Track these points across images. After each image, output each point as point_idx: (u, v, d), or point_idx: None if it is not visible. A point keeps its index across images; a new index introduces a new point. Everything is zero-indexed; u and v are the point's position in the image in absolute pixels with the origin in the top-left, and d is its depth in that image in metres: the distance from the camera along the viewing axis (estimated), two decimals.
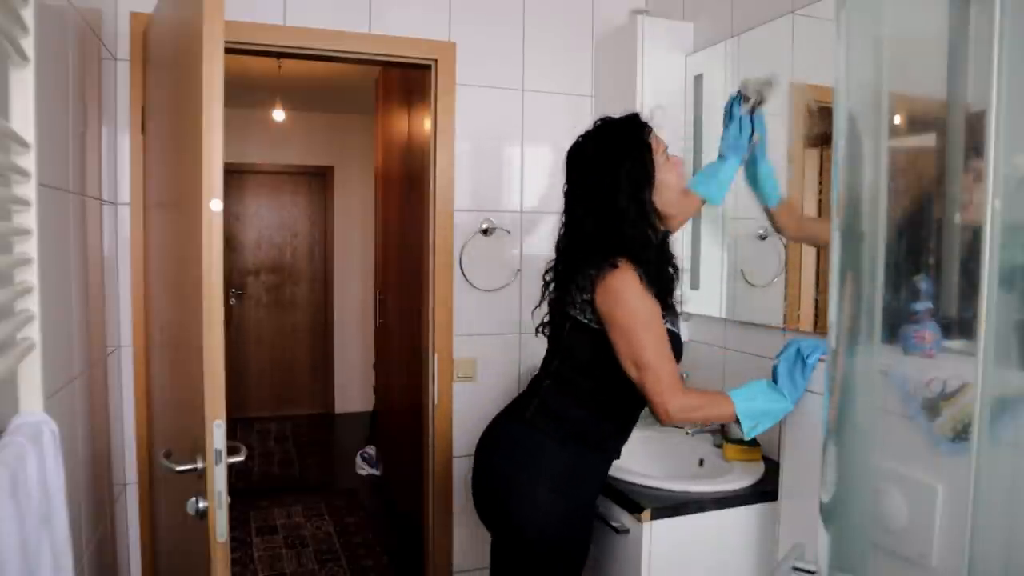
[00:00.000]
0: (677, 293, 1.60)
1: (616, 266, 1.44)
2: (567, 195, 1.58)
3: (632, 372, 1.45)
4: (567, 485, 1.54)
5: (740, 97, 1.71)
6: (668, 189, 1.51)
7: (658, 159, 1.50)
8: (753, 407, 1.45)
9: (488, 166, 2.50)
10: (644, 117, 1.54)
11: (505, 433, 1.62)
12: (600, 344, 1.49)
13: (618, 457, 1.68)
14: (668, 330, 1.49)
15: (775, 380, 1.48)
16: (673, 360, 1.47)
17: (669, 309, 1.54)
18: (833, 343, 0.94)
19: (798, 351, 1.45)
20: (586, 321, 1.51)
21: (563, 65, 2.55)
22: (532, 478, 1.53)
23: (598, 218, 1.49)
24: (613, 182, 1.47)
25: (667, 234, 1.62)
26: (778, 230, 1.82)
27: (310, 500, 4.23)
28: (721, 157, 1.72)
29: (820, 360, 1.44)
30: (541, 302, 1.67)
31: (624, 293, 1.43)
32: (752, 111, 1.68)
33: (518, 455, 1.56)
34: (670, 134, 2.28)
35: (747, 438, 1.46)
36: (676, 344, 1.54)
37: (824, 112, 1.86)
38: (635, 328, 1.43)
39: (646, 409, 2.28)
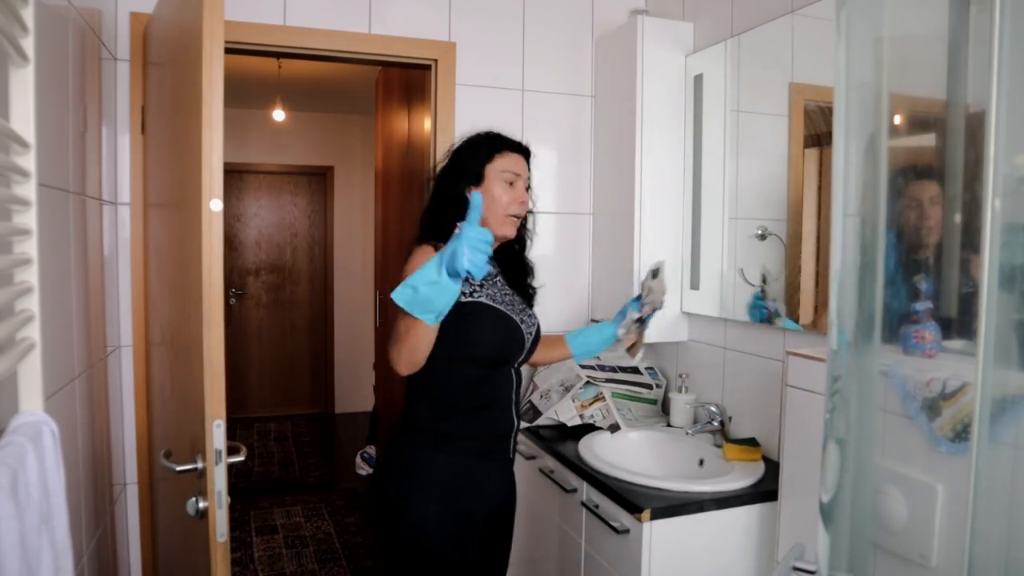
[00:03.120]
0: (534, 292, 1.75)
1: (419, 244, 1.55)
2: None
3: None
4: (443, 493, 1.53)
5: (637, 301, 1.79)
6: (495, 204, 1.58)
7: (497, 172, 1.59)
8: (420, 299, 1.36)
9: None
10: (526, 143, 1.68)
11: (387, 453, 1.65)
12: None
13: (504, 459, 1.64)
14: (498, 311, 1.56)
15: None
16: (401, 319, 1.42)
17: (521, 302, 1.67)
18: (833, 343, 0.94)
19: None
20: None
21: (563, 65, 2.55)
22: (404, 491, 1.54)
23: (435, 200, 1.63)
24: (451, 170, 1.62)
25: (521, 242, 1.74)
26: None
27: (310, 500, 4.23)
28: (611, 333, 1.82)
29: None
30: None
31: (410, 267, 1.49)
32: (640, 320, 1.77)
33: (395, 470, 1.57)
34: (670, 134, 2.30)
35: (430, 322, 1.38)
36: (511, 328, 1.58)
37: (824, 112, 1.86)
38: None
39: (649, 408, 2.28)
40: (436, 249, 1.51)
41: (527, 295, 1.74)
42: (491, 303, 1.56)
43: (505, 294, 1.63)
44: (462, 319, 1.50)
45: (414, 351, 1.43)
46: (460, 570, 1.56)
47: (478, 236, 1.31)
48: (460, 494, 1.55)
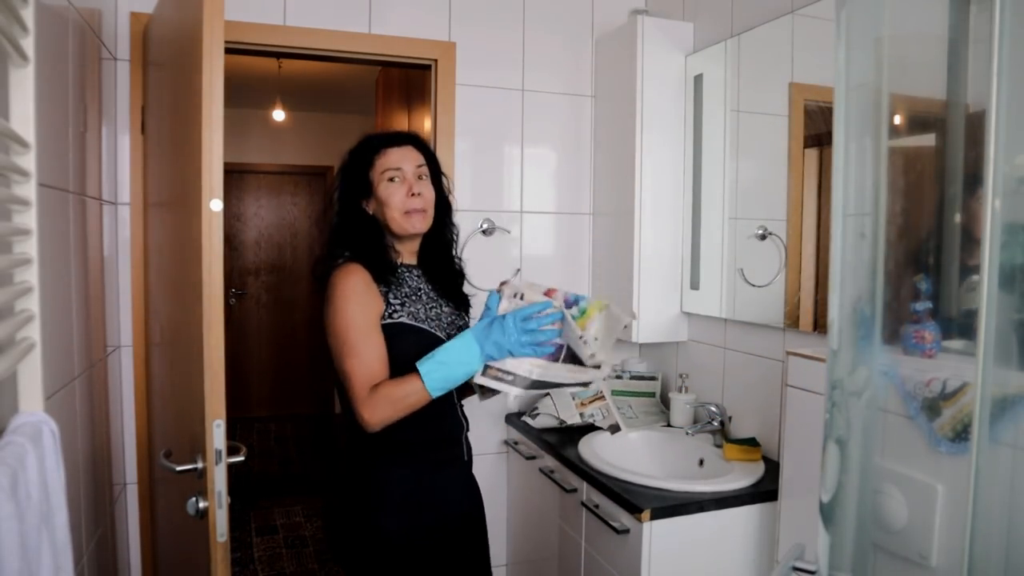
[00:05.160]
0: (468, 289, 1.68)
1: (339, 264, 1.47)
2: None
3: (341, 380, 1.44)
4: (409, 506, 1.49)
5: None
6: (387, 206, 1.52)
7: (379, 174, 1.54)
8: (441, 377, 1.38)
9: (488, 166, 2.49)
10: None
11: (343, 474, 1.58)
12: None
13: (460, 462, 1.60)
14: (421, 331, 1.48)
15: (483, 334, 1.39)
16: (375, 363, 1.42)
17: (447, 306, 1.59)
18: (833, 343, 0.94)
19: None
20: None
21: (563, 65, 2.55)
22: (372, 512, 1.49)
23: (339, 219, 1.56)
24: (343, 187, 1.57)
25: (445, 241, 1.65)
26: None
27: (310, 500, 4.23)
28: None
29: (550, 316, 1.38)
30: None
31: (336, 292, 1.44)
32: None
33: (353, 490, 1.52)
34: (670, 134, 2.30)
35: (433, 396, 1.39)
36: (429, 342, 1.48)
37: (824, 112, 1.86)
38: (339, 331, 1.43)
39: (649, 402, 2.27)
40: (362, 266, 1.46)
41: (460, 300, 1.65)
42: (412, 322, 1.49)
43: (432, 307, 1.55)
44: (387, 340, 1.46)
45: (404, 415, 1.41)
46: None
47: (517, 326, 1.35)
48: (424, 506, 1.50)
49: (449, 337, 1.51)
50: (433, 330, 1.51)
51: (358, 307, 1.44)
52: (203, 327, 1.31)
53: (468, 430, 1.63)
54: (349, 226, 1.55)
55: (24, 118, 1.11)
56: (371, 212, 1.56)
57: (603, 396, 2.27)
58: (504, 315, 1.39)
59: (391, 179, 1.53)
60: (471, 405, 1.67)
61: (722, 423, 2.08)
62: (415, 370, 1.39)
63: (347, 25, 2.28)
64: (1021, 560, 0.76)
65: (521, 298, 1.42)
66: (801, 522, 1.52)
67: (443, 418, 1.56)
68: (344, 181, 1.58)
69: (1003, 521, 0.77)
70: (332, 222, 1.59)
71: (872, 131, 0.93)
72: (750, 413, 2.06)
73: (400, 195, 1.52)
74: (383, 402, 1.39)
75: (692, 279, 2.32)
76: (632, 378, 2.42)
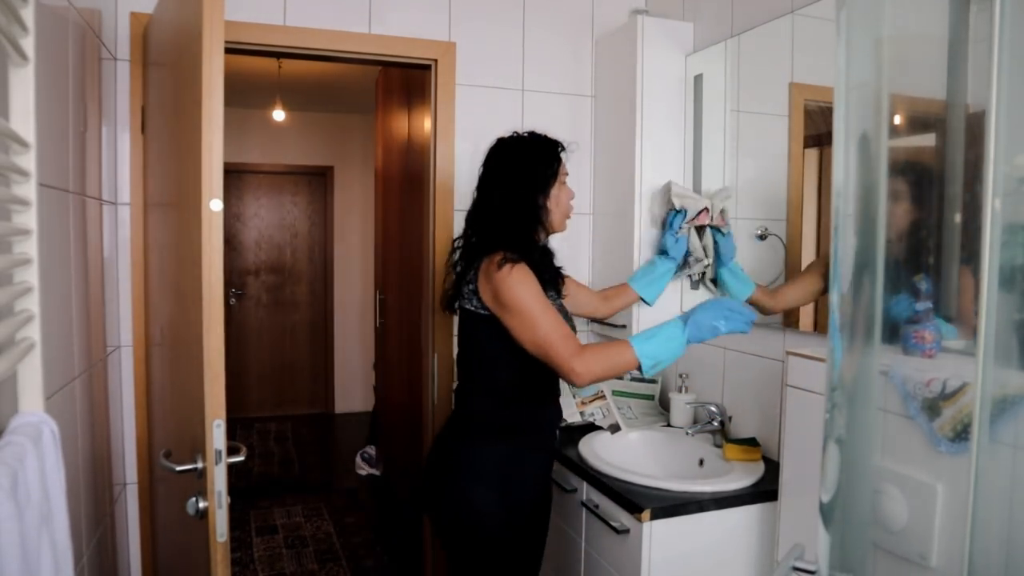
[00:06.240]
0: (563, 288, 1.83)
1: (500, 257, 1.56)
2: (483, 180, 1.71)
3: (536, 351, 1.55)
4: (501, 482, 1.61)
5: (682, 213, 1.90)
6: (558, 205, 1.70)
7: (562, 175, 1.71)
8: (651, 348, 1.52)
9: None
10: (565, 143, 1.77)
11: (439, 449, 1.71)
12: (491, 329, 1.59)
13: (550, 449, 1.76)
14: (568, 315, 1.67)
15: (685, 321, 1.55)
16: (566, 326, 1.57)
17: (554, 294, 1.72)
18: (833, 343, 0.94)
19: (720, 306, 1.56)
20: (473, 308, 1.62)
21: (563, 65, 2.55)
22: (466, 482, 1.61)
23: (501, 206, 1.64)
24: (527, 176, 1.66)
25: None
26: (762, 312, 1.94)
27: (310, 500, 4.24)
28: (661, 254, 2.05)
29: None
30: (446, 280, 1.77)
31: (507, 279, 1.54)
32: (699, 227, 1.87)
33: (454, 465, 1.64)
34: (670, 134, 2.30)
35: (647, 375, 1.59)
36: (566, 318, 1.67)
37: (824, 112, 1.86)
38: (525, 308, 1.54)
39: (648, 404, 2.27)
40: (517, 258, 1.56)
41: (555, 282, 1.79)
42: (561, 307, 1.65)
43: (552, 298, 1.68)
44: None
45: (610, 376, 1.57)
46: (519, 557, 1.65)
47: (732, 312, 1.54)
48: (516, 486, 1.62)
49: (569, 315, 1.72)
50: (566, 315, 1.67)
51: (538, 289, 1.57)
52: (203, 327, 1.31)
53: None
54: (523, 219, 1.64)
55: (24, 118, 1.11)
56: (545, 207, 1.67)
57: (603, 395, 2.27)
58: (708, 305, 1.55)
59: (563, 182, 1.71)
60: None
61: (722, 423, 2.08)
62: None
63: (347, 25, 2.29)
64: (1021, 560, 0.76)
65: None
66: (801, 522, 1.52)
67: (547, 407, 1.71)
68: (529, 173, 1.66)
69: (1003, 521, 0.77)
70: (498, 211, 1.64)
71: (872, 131, 0.93)
72: (750, 413, 2.06)
73: (568, 197, 1.73)
74: (595, 359, 1.51)
75: (692, 279, 2.31)
76: (632, 379, 2.42)
